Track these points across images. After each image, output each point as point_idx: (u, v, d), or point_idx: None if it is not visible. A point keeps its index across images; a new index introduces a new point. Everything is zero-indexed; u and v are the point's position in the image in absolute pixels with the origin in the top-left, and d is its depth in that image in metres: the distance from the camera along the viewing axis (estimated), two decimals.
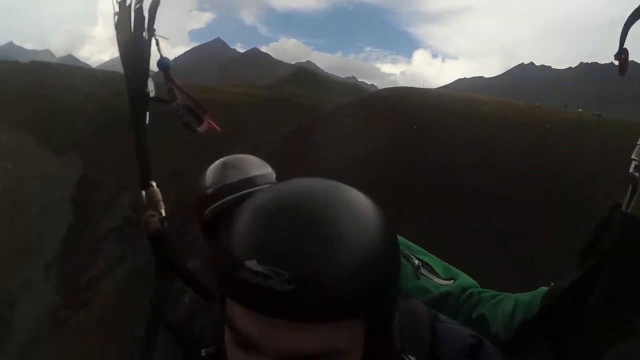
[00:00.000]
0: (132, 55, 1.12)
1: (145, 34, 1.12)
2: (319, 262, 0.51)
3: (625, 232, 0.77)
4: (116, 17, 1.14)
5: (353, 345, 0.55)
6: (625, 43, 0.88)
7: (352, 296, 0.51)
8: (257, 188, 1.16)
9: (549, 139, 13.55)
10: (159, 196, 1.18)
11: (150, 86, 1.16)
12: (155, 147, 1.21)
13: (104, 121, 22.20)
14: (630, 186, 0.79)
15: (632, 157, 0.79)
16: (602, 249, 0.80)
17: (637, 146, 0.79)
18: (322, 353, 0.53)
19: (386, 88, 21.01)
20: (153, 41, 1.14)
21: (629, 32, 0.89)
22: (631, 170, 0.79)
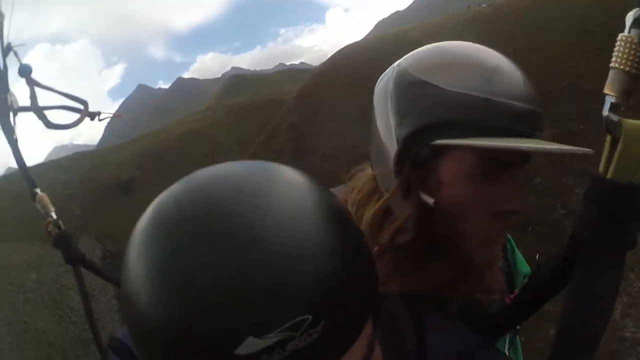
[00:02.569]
0: None
1: None
2: (326, 281, 0.36)
3: (598, 209, 0.54)
4: None
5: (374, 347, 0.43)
6: None
7: (361, 295, 0.40)
8: None
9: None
10: (47, 199, 1.19)
11: (12, 98, 1.15)
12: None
13: (94, 198, 21.24)
14: (608, 137, 0.53)
15: (605, 90, 0.52)
16: (574, 232, 0.58)
17: (611, 72, 0.52)
18: None
19: (330, 58, 22.22)
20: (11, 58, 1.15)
21: None
22: (606, 111, 0.51)
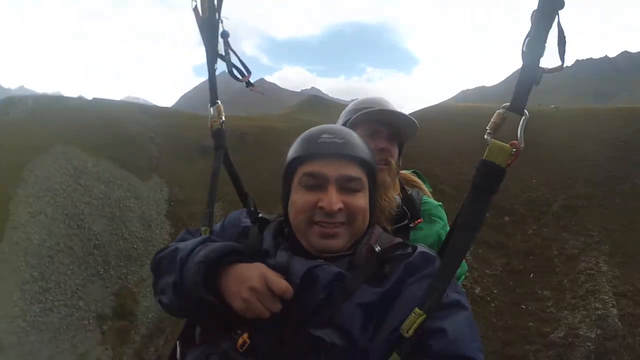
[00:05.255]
0: (207, 27, 1.57)
1: (216, 15, 1.55)
2: (348, 135, 1.19)
3: (479, 173, 1.05)
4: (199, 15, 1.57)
5: (364, 184, 1.17)
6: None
7: (363, 153, 1.17)
8: None
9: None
10: (222, 109, 1.62)
11: (220, 46, 1.62)
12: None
13: (173, 149, 22.63)
14: (488, 147, 1.05)
15: (487, 127, 1.07)
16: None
17: (490, 122, 1.07)
18: (356, 177, 1.14)
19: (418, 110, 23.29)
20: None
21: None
22: (486, 136, 1.06)
